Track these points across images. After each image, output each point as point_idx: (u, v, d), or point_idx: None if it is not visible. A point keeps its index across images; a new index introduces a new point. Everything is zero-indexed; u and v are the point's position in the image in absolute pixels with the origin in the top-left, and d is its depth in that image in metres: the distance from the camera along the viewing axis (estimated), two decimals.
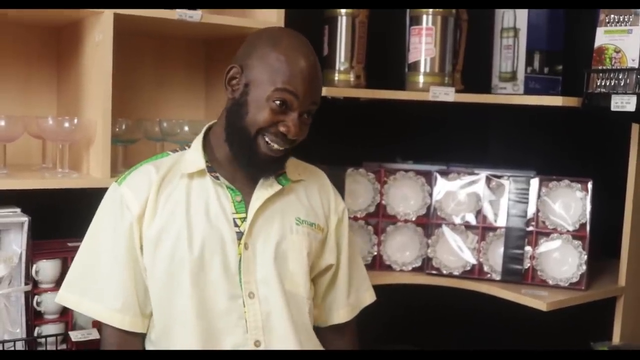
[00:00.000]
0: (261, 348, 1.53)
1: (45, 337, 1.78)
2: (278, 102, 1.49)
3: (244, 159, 1.55)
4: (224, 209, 1.55)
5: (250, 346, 1.52)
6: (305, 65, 1.51)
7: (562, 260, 2.06)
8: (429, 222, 2.18)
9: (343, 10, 2.19)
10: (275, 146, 1.51)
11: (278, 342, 1.54)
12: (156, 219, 1.54)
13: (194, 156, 1.59)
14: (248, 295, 1.54)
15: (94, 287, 1.55)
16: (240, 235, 1.54)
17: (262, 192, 1.58)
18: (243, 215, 1.56)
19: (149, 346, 1.58)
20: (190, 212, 1.54)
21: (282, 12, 1.96)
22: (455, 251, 2.15)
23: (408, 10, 2.24)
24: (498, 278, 2.10)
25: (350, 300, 1.73)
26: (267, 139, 1.51)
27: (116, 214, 1.55)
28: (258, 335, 1.53)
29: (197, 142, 1.62)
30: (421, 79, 2.20)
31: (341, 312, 1.72)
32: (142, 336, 1.58)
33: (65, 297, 1.59)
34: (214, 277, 1.52)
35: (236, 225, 1.55)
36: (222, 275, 1.52)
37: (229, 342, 1.52)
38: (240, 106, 1.52)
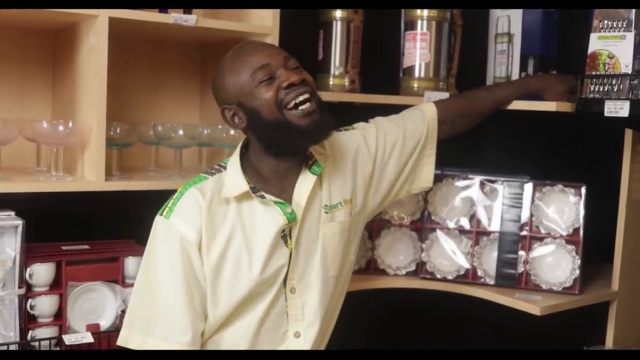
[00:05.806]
0: (300, 339, 1.62)
1: (39, 340, 1.77)
2: (261, 77, 1.54)
3: (295, 142, 1.57)
4: (278, 224, 1.59)
5: (291, 338, 1.62)
6: (250, 44, 1.63)
7: (555, 265, 2.06)
8: (423, 227, 2.19)
9: (338, 15, 2.19)
10: (300, 98, 1.54)
11: (312, 330, 1.62)
12: (214, 246, 1.56)
13: (235, 178, 1.60)
14: (290, 290, 1.61)
15: (158, 322, 1.55)
16: (285, 238, 1.60)
17: (302, 190, 1.63)
18: (294, 223, 1.61)
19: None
20: (247, 235, 1.58)
21: (277, 17, 1.97)
22: (449, 255, 2.15)
23: (403, 15, 2.25)
24: (492, 282, 2.10)
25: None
26: (289, 106, 1.54)
27: (170, 246, 1.55)
28: (298, 327, 1.62)
29: (235, 164, 1.63)
30: (416, 83, 2.21)
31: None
32: None
33: (129, 337, 1.57)
34: (268, 285, 1.59)
35: (283, 232, 1.59)
36: (273, 280, 1.59)
37: (272, 337, 1.61)
38: (254, 116, 1.56)
